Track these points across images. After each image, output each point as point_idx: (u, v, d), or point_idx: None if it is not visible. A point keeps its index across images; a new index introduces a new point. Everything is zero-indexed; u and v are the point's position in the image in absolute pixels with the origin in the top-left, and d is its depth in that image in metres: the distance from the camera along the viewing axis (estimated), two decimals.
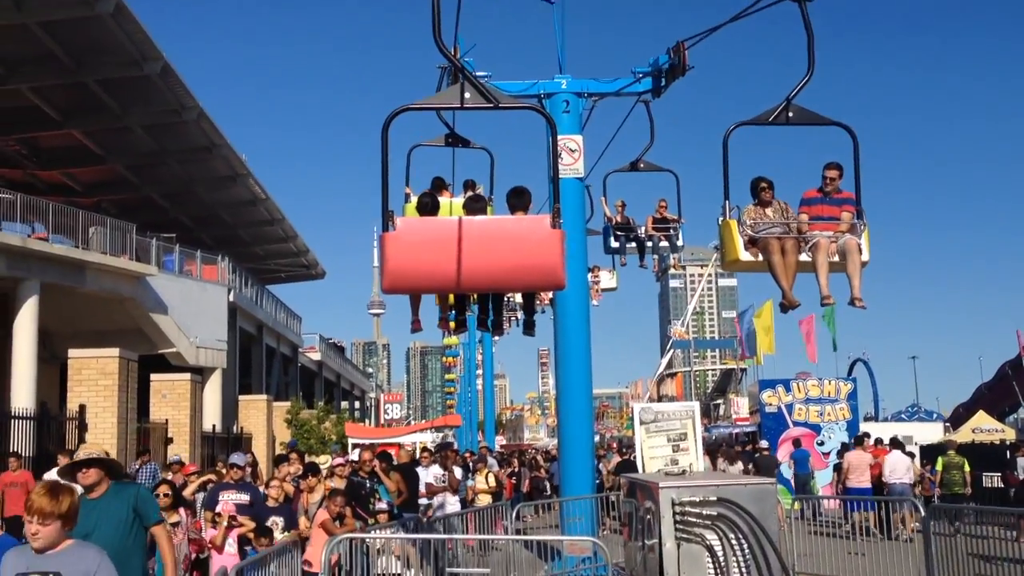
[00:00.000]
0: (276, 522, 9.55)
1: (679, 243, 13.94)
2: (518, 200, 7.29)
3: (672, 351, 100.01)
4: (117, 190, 42.00)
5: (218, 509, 9.65)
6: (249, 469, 11.27)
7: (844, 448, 21.19)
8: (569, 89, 11.34)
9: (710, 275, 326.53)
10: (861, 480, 17.97)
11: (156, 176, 41.37)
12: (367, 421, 76.11)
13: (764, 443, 21.36)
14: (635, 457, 20.78)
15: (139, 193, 42.20)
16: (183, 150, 38.95)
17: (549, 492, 24.33)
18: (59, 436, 16.54)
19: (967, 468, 19.09)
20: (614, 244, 13.87)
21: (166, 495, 8.92)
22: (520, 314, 19.99)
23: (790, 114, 7.84)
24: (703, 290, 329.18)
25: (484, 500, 14.43)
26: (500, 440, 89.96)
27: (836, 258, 8.16)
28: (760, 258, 8.34)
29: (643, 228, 13.94)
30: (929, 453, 24.36)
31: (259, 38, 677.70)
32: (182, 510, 9.20)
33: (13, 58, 30.26)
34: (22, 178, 38.79)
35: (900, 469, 17.98)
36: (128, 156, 38.88)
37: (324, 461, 21.43)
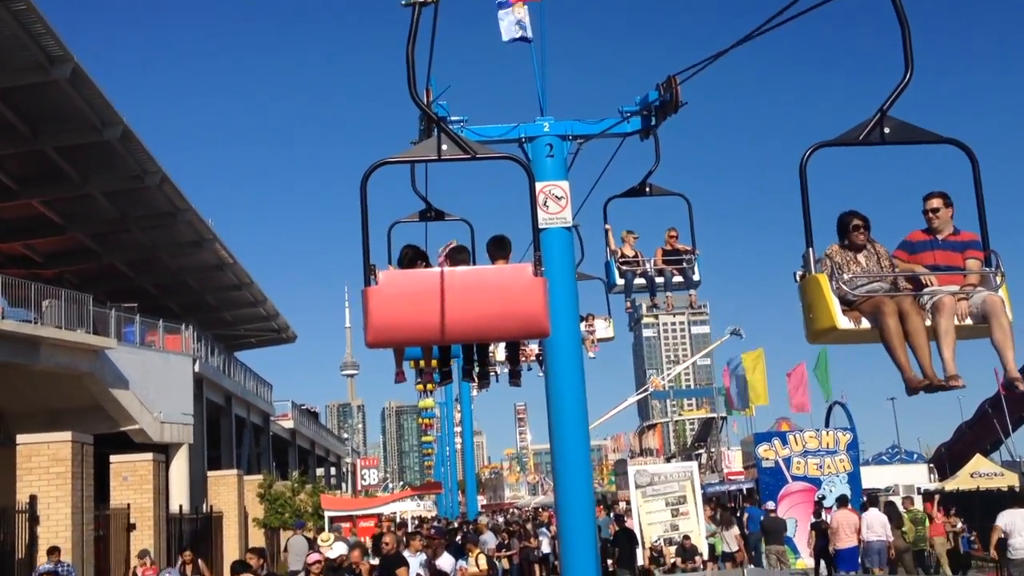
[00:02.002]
0: None
1: (695, 277, 11.88)
2: (498, 249, 7.39)
3: (645, 394, 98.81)
4: (79, 260, 41.05)
5: None
6: None
7: (818, 505, 21.06)
8: (552, 132, 10.40)
9: (682, 323, 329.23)
10: (849, 541, 18.01)
11: (119, 244, 40.48)
12: (344, 487, 74.39)
13: (771, 504, 20.30)
14: (631, 522, 19.72)
15: (102, 262, 41.27)
16: (146, 216, 38.11)
17: (538, 565, 23.11)
18: (9, 531, 15.14)
19: (927, 523, 19.75)
20: (619, 281, 11.73)
21: None
22: (500, 368, 19.11)
23: (886, 130, 6.06)
24: (679, 339, 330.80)
25: None
26: (481, 500, 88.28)
27: (968, 321, 6.19)
28: (865, 325, 6.11)
29: (652, 261, 11.91)
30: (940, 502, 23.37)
31: (224, 100, 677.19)
32: None
33: None
34: None
35: (876, 526, 17.95)
36: (90, 224, 37.95)
37: (326, 539, 20.19)
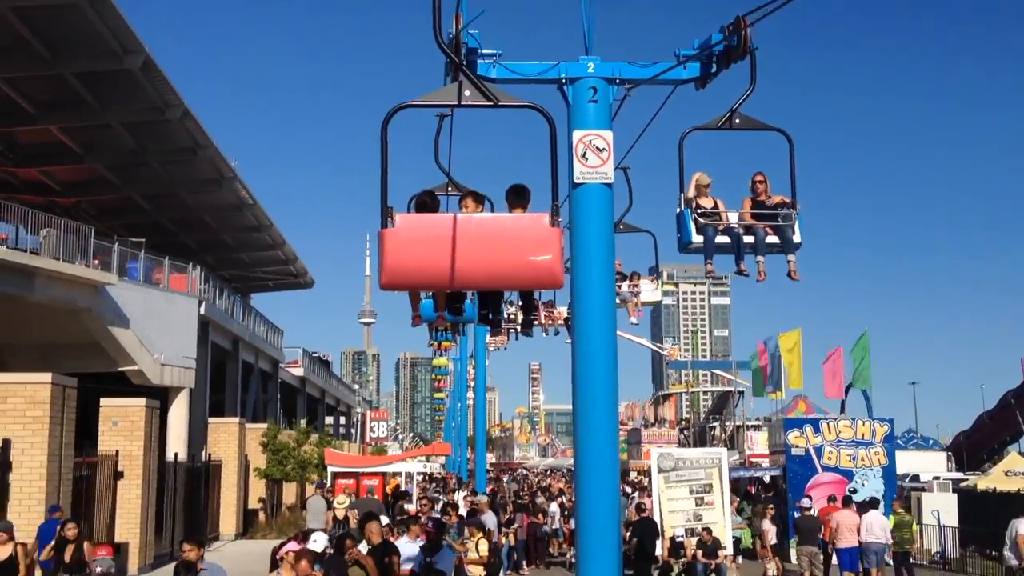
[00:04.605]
0: None
1: (796, 238, 9.14)
2: (517, 198, 7.14)
3: (661, 350, 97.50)
4: (97, 191, 40.36)
5: None
6: None
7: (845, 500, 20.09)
8: (597, 73, 8.94)
9: (703, 293, 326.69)
10: (849, 541, 17.91)
11: (138, 177, 39.68)
12: (353, 436, 73.79)
13: (806, 501, 19.11)
14: (651, 510, 18.44)
15: (120, 194, 40.58)
16: (166, 150, 37.30)
17: (549, 541, 22.01)
18: None
19: (915, 526, 20.19)
20: (696, 238, 9.08)
21: None
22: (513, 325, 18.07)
23: None
24: (698, 309, 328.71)
25: (476, 573, 12.13)
26: (490, 458, 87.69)
27: None
28: None
29: (738, 215, 9.25)
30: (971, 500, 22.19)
31: (250, 37, 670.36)
32: None
33: None
34: None
35: (876, 528, 18.03)
36: (108, 155, 37.22)
37: (342, 502, 19.26)
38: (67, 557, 12.28)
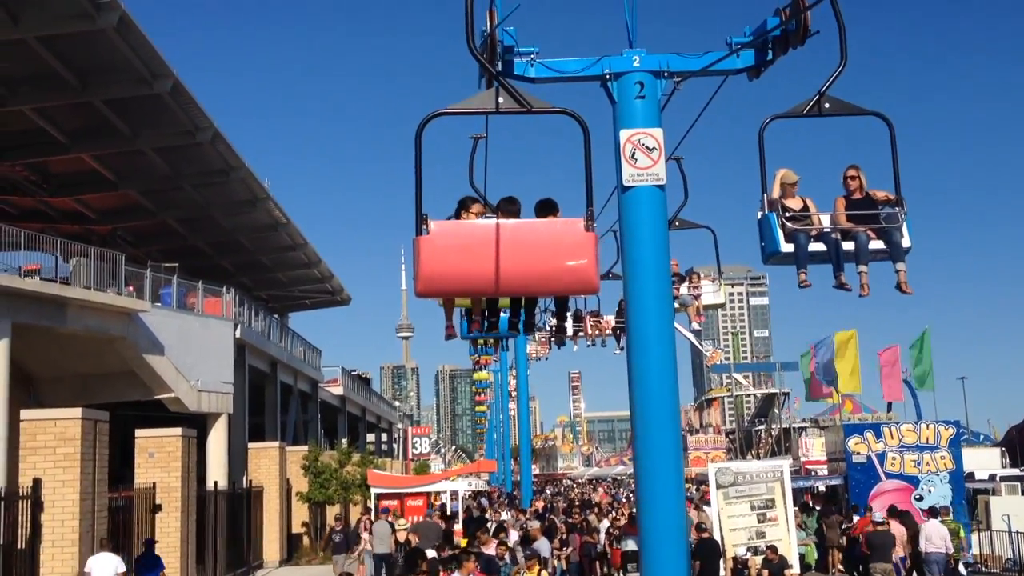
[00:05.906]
0: None
1: (905, 243, 7.69)
2: (546, 212, 7.16)
3: (701, 347, 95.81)
4: (132, 217, 40.35)
5: None
6: None
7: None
8: (643, 67, 8.29)
9: (740, 294, 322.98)
10: (895, 552, 17.59)
11: (172, 201, 39.58)
12: (395, 453, 73.42)
13: (878, 515, 18.34)
14: (711, 529, 17.63)
15: (155, 219, 40.51)
16: (199, 173, 37.13)
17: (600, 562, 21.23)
18: (11, 518, 13.53)
19: (962, 533, 19.91)
20: (786, 246, 7.72)
21: None
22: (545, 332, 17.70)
23: None
24: (736, 311, 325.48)
25: None
26: (534, 469, 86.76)
27: None
28: None
29: (830, 218, 7.85)
30: None
31: (277, 57, 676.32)
32: None
33: (13, 77, 28.43)
34: (32, 205, 37.46)
35: (935, 538, 17.88)
36: (142, 181, 37.12)
37: (403, 524, 18.99)
38: None
